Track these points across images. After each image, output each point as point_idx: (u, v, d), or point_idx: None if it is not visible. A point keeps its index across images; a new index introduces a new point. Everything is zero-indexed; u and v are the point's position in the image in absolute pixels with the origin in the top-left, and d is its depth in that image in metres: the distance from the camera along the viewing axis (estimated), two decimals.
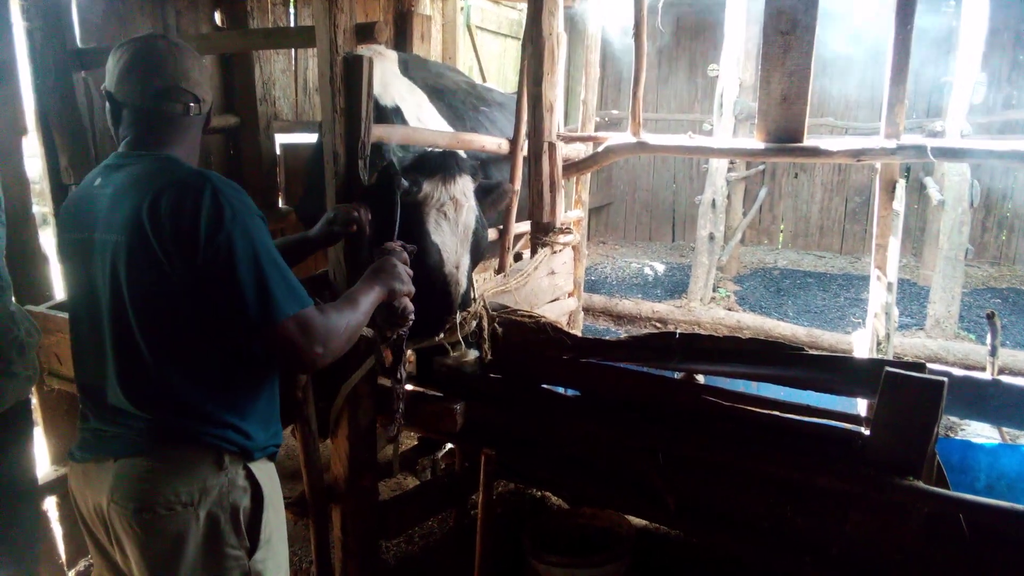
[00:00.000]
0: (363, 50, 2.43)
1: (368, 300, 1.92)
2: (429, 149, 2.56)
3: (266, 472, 1.85)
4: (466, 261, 2.45)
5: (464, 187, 2.44)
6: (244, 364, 1.76)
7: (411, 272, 2.06)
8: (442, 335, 2.37)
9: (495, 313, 2.58)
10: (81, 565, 3.34)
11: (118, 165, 1.77)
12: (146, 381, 1.70)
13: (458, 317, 2.37)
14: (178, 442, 1.71)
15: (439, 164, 2.38)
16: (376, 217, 2.27)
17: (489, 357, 2.49)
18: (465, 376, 2.41)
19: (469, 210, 2.45)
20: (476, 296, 2.54)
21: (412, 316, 2.09)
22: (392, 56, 3.90)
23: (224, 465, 1.73)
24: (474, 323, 2.42)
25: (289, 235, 2.39)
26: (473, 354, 2.45)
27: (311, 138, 4.64)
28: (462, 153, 3.66)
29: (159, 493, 1.67)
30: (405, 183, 2.28)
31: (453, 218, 2.39)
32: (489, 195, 2.63)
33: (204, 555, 1.72)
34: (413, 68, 4.07)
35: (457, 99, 4.17)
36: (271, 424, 1.89)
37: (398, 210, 2.23)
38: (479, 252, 2.54)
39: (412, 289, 2.05)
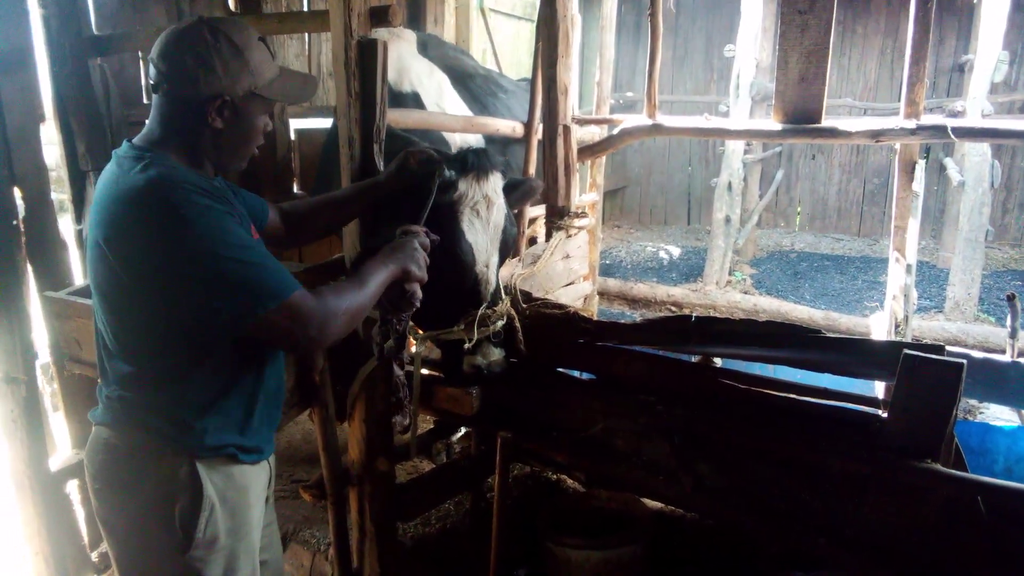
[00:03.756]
0: (380, 30, 2.41)
1: (378, 279, 1.85)
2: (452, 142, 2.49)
3: (222, 475, 1.80)
4: (495, 259, 2.43)
5: (495, 184, 2.40)
6: (209, 361, 1.74)
7: (428, 260, 2.01)
8: (461, 326, 2.34)
9: (526, 306, 2.57)
10: (103, 546, 3.39)
11: (120, 155, 1.74)
12: (107, 361, 1.79)
13: (479, 312, 2.33)
14: (128, 423, 1.77)
15: (474, 162, 2.33)
16: (406, 203, 2.23)
17: (524, 351, 2.49)
18: (495, 375, 2.42)
19: (499, 208, 2.42)
20: (504, 295, 2.51)
21: (419, 302, 2.03)
22: (410, 36, 3.86)
23: (164, 457, 1.74)
24: (500, 323, 2.39)
25: (357, 183, 2.30)
26: (498, 353, 2.43)
27: (326, 123, 4.65)
28: (477, 138, 3.68)
29: (107, 467, 1.78)
30: (449, 173, 2.23)
31: (485, 216, 2.36)
32: (515, 191, 2.59)
33: (132, 535, 1.81)
34: (432, 48, 4.03)
35: (475, 83, 4.15)
36: (241, 426, 1.84)
37: (432, 198, 2.17)
38: (507, 249, 2.52)
39: (425, 276, 1.99)
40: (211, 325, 1.66)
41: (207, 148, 1.77)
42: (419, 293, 2.01)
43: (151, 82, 1.74)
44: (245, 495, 1.87)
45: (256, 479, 1.92)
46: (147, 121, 1.77)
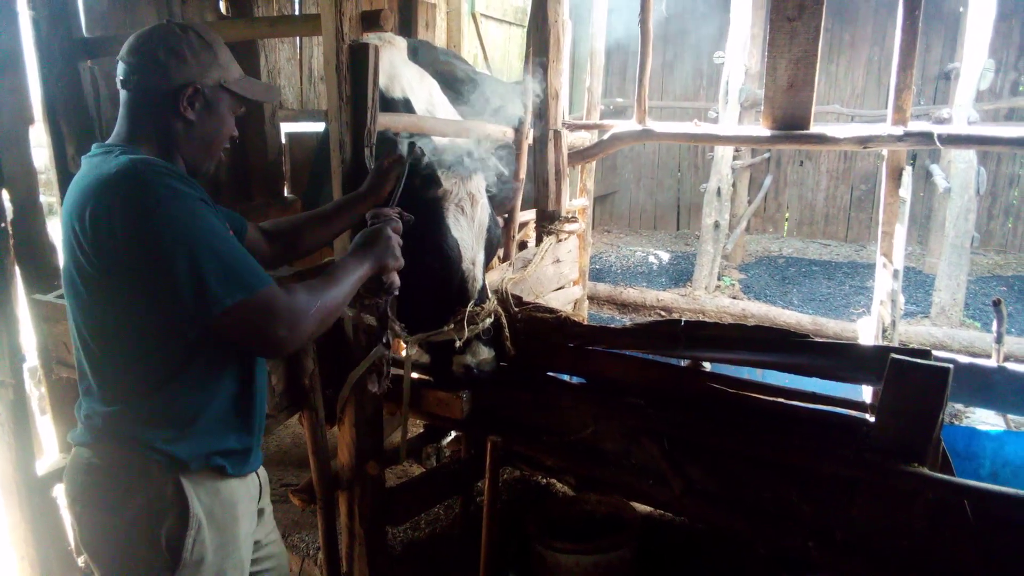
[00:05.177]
0: (371, 37, 2.42)
1: (353, 277, 1.80)
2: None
3: (209, 490, 1.75)
4: (481, 257, 2.48)
5: (479, 184, 2.47)
6: (184, 372, 1.68)
7: (401, 243, 1.96)
8: (451, 325, 2.36)
9: (517, 310, 2.58)
10: None
11: (88, 156, 1.72)
12: (89, 375, 1.72)
13: (468, 309, 2.36)
14: (111, 441, 1.70)
15: (457, 160, 2.41)
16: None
17: (513, 353, 2.51)
18: (485, 374, 2.43)
19: (483, 207, 2.47)
20: (491, 293, 2.54)
21: (397, 290, 2.00)
22: (401, 43, 3.87)
23: (151, 474, 1.68)
24: (488, 320, 2.41)
25: (341, 198, 2.28)
26: (487, 352, 2.44)
27: (316, 127, 4.64)
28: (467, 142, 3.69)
29: (89, 488, 1.71)
30: (419, 148, 2.26)
31: (470, 213, 2.42)
32: (497, 194, 2.64)
33: (117, 557, 1.73)
34: (424, 54, 4.04)
35: (466, 87, 4.15)
36: (228, 439, 1.78)
37: (404, 177, 2.17)
38: (492, 249, 2.57)
39: (402, 262, 1.94)
40: (177, 317, 1.58)
41: (179, 143, 1.75)
42: (397, 281, 1.99)
43: (120, 79, 1.72)
44: (232, 510, 1.81)
45: (244, 493, 1.86)
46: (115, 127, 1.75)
